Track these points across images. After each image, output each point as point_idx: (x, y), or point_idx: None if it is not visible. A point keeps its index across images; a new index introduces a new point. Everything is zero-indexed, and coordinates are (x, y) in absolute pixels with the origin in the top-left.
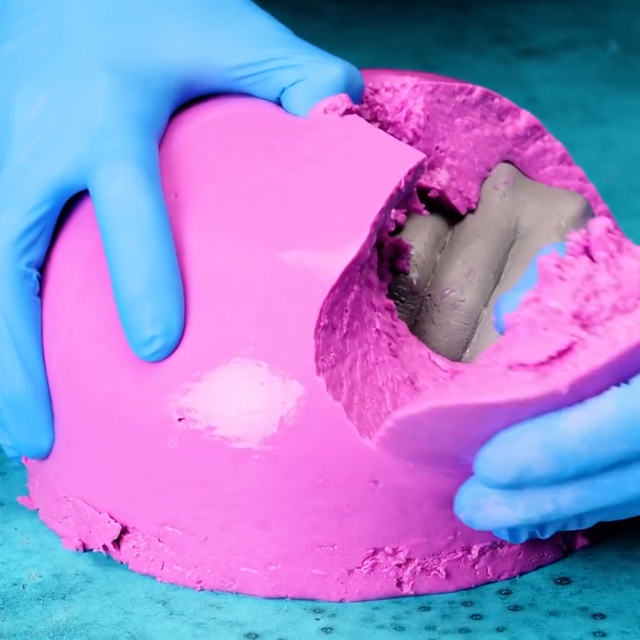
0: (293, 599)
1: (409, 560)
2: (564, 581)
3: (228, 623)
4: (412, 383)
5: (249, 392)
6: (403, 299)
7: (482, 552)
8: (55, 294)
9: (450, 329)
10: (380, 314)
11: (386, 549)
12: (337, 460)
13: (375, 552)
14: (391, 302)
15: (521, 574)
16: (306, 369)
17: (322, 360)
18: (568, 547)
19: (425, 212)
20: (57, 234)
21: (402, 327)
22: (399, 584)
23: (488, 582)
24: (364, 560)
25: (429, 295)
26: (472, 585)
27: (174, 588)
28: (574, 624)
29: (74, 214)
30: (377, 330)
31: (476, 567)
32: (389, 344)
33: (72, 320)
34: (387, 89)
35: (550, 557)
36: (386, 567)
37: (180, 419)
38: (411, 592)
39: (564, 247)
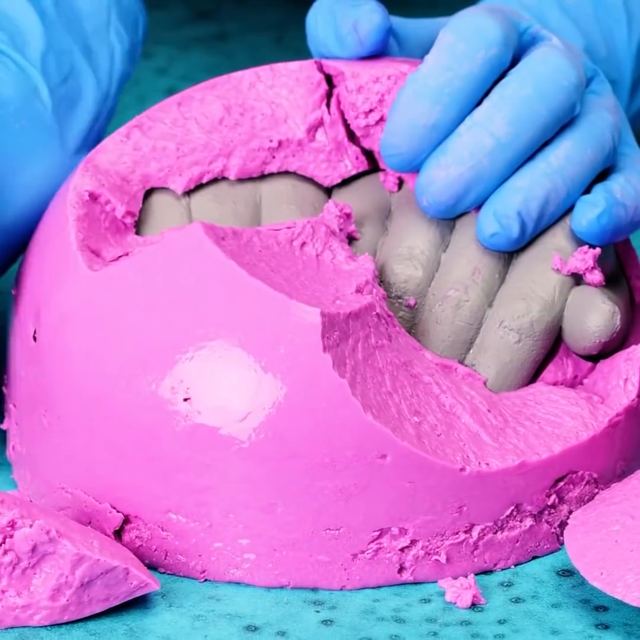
0: (293, 588)
1: (413, 542)
2: (566, 573)
3: (227, 615)
4: (408, 369)
5: (254, 371)
6: (406, 297)
7: (481, 535)
8: (48, 280)
9: (454, 329)
10: (379, 299)
11: (393, 529)
12: (343, 438)
13: (381, 534)
14: (382, 291)
15: (517, 563)
16: (313, 346)
17: (327, 338)
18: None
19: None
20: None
21: (392, 316)
22: (401, 570)
23: (485, 571)
24: (369, 544)
25: (433, 294)
26: (468, 573)
27: (173, 580)
28: (576, 616)
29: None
30: (377, 314)
31: (475, 553)
32: (387, 329)
33: (67, 309)
34: (388, 78)
35: (546, 547)
36: (390, 552)
37: (185, 399)
38: (411, 579)
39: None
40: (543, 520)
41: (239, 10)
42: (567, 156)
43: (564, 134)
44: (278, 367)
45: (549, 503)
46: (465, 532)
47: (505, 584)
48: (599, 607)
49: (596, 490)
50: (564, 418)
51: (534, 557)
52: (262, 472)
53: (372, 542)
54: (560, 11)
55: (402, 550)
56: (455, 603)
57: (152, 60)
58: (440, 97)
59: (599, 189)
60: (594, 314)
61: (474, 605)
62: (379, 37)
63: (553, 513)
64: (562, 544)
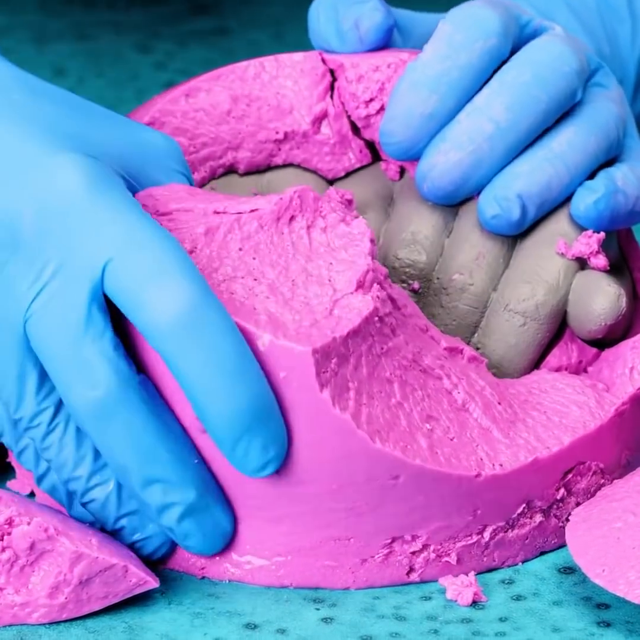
0: (294, 588)
1: (425, 546)
2: (567, 570)
3: (227, 613)
4: (418, 364)
5: None
6: (410, 282)
7: (493, 535)
8: None
9: (459, 313)
10: (378, 294)
11: (405, 536)
12: (352, 467)
13: (393, 541)
14: (384, 269)
15: (525, 560)
16: (309, 387)
17: (323, 373)
18: None
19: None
20: None
21: (399, 292)
22: (410, 571)
23: (492, 569)
24: (379, 550)
25: (438, 278)
26: (476, 572)
27: (172, 577)
28: (577, 614)
29: None
30: (380, 318)
31: (485, 553)
32: (391, 325)
33: None
34: (388, 66)
35: (554, 542)
36: (400, 555)
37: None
38: (418, 579)
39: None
40: (552, 514)
41: (238, 5)
42: (569, 142)
43: (567, 121)
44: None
45: (558, 497)
46: (478, 533)
47: (506, 582)
48: (600, 604)
49: (602, 480)
50: (571, 407)
51: (542, 553)
52: (269, 493)
53: (383, 547)
54: (568, 10)
55: (413, 553)
56: (456, 601)
57: (151, 55)
58: (437, 86)
59: (600, 175)
60: (600, 297)
61: (474, 603)
62: (380, 36)
63: (561, 506)
64: None
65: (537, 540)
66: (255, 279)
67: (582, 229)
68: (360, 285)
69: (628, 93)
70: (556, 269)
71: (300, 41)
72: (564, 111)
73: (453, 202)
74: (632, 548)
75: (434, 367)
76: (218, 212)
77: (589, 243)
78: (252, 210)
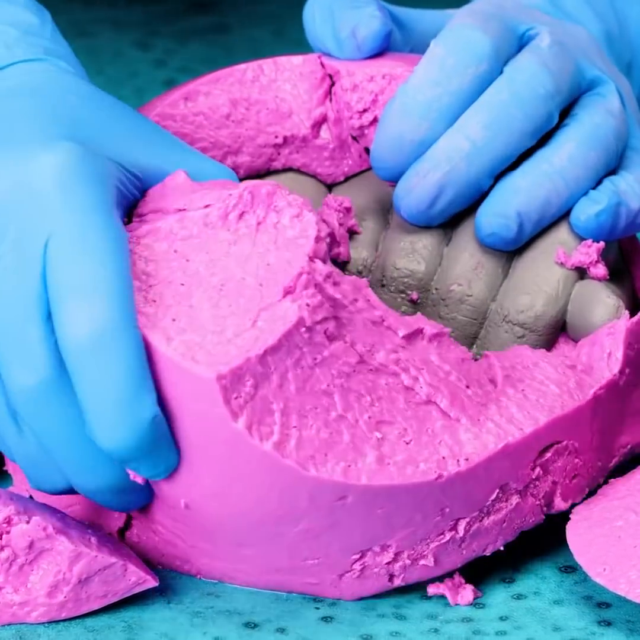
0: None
1: (397, 554)
2: (568, 569)
3: (226, 612)
4: (366, 363)
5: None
6: (409, 292)
7: (468, 528)
8: None
9: (457, 324)
10: (307, 301)
11: (374, 548)
12: (290, 494)
13: (362, 555)
14: (327, 268)
15: (505, 543)
16: (219, 417)
17: (235, 398)
18: (548, 508)
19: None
20: None
21: (350, 282)
22: (391, 578)
23: (475, 558)
24: (352, 565)
25: (436, 289)
26: (459, 565)
27: (171, 576)
28: (578, 613)
29: None
30: (308, 328)
31: (463, 545)
32: (326, 331)
33: None
34: (383, 77)
35: (532, 520)
36: (376, 567)
37: None
38: (402, 584)
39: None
40: (528, 494)
41: (238, 2)
42: (570, 157)
43: (567, 135)
44: (192, 445)
45: (533, 476)
46: (451, 529)
47: (506, 581)
48: (601, 603)
49: (576, 460)
50: (550, 386)
51: (522, 531)
52: (221, 523)
53: (355, 562)
54: None
55: (388, 563)
56: (456, 600)
57: (151, 52)
58: (428, 113)
59: (605, 185)
60: (599, 309)
61: (475, 602)
62: (377, 43)
63: (537, 485)
64: (545, 515)
65: (515, 521)
66: (182, 284)
67: (581, 238)
68: (289, 291)
69: (637, 75)
70: (555, 278)
71: (300, 39)
72: (543, 132)
73: (433, 223)
74: (634, 547)
75: (388, 364)
76: (179, 210)
77: (588, 253)
78: (205, 206)
